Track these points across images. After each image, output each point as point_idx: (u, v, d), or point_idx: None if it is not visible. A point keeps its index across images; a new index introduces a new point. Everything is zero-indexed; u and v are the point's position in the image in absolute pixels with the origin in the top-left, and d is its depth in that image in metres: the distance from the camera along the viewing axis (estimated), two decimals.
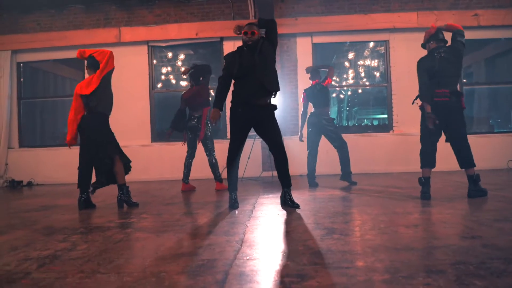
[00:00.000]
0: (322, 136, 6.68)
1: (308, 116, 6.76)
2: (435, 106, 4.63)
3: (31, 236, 3.43)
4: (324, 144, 6.88)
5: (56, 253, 2.75)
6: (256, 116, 4.41)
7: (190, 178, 6.67)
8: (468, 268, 2.11)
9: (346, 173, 6.57)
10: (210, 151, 6.48)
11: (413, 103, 4.93)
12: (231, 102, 4.52)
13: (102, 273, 2.25)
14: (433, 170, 4.81)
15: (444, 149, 4.96)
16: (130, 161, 5.15)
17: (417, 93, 4.83)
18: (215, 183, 6.63)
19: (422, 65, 4.79)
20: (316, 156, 6.66)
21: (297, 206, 4.34)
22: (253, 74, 4.34)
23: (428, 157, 4.77)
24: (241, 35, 4.50)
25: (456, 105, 4.67)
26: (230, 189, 4.62)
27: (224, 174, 6.08)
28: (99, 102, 4.92)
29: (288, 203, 4.41)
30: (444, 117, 4.63)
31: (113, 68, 5.02)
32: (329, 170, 7.92)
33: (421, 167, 4.82)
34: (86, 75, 5.18)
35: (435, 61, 4.71)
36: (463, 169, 4.74)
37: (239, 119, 4.44)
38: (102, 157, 4.90)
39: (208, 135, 6.48)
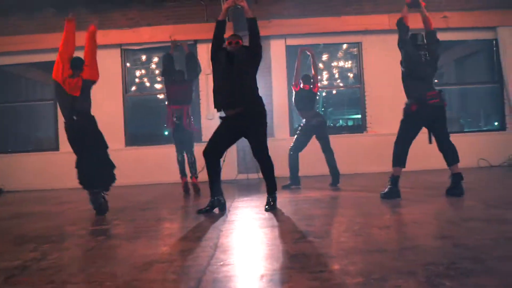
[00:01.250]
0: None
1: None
2: (429, 108, 4.74)
3: (1, 246, 3.35)
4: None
5: (25, 263, 2.69)
6: (240, 125, 4.41)
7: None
8: (438, 268, 2.14)
9: (337, 177, 6.59)
10: (191, 149, 6.46)
11: (405, 107, 4.98)
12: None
13: (72, 283, 2.22)
14: (404, 170, 4.88)
15: (415, 149, 5.02)
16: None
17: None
18: (192, 178, 6.52)
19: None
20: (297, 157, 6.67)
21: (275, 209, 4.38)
22: (229, 81, 4.33)
23: (402, 157, 4.84)
24: (225, 44, 4.49)
25: (442, 105, 4.80)
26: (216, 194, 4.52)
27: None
28: (87, 103, 4.79)
29: (270, 206, 4.42)
30: (432, 118, 4.75)
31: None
32: (306, 171, 7.93)
33: (393, 166, 4.89)
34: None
35: (422, 65, 4.83)
36: (449, 167, 4.81)
37: (227, 126, 4.46)
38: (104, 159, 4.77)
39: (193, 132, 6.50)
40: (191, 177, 6.49)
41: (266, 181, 4.53)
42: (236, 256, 2.65)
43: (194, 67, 6.67)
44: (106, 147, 4.91)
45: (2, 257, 2.91)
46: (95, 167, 4.70)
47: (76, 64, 4.78)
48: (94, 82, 4.89)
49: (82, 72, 4.75)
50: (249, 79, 4.44)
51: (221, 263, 2.45)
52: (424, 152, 5.00)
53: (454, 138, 7.55)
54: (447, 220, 3.46)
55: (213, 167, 4.48)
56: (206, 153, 4.42)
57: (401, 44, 5.00)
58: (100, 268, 2.51)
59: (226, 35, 4.61)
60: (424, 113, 4.74)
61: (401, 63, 5.00)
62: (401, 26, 5.01)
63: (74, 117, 4.69)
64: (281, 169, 8.17)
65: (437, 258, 2.34)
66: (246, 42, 4.61)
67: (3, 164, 9.18)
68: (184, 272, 2.32)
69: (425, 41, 5.04)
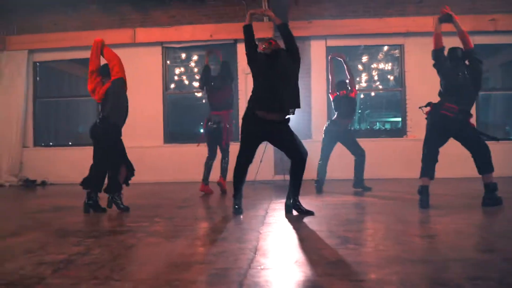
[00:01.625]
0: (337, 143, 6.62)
1: (327, 123, 6.71)
2: (440, 118, 4.62)
3: (45, 238, 3.45)
4: (337, 148, 6.81)
5: (70, 257, 2.75)
6: (270, 132, 4.34)
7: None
8: (488, 284, 2.06)
9: (359, 180, 6.52)
10: (227, 153, 6.48)
11: (420, 107, 4.88)
12: (246, 109, 4.44)
13: (115, 280, 2.25)
14: (443, 177, 4.73)
15: (453, 156, 4.88)
16: (134, 171, 5.08)
17: (431, 99, 4.79)
18: (220, 178, 6.49)
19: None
20: (327, 163, 6.60)
21: (311, 213, 4.31)
22: (270, 85, 4.25)
23: (429, 166, 4.71)
24: (260, 48, 4.44)
25: (463, 121, 4.61)
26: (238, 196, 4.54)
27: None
28: (111, 108, 4.84)
29: (300, 210, 4.36)
30: (450, 130, 4.63)
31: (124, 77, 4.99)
32: (341, 175, 7.84)
33: (421, 176, 4.75)
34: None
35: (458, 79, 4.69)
36: (481, 175, 4.66)
37: (251, 133, 4.38)
38: (113, 165, 4.88)
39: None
40: (220, 177, 6.47)
41: (297, 185, 4.43)
42: (275, 260, 2.63)
43: (228, 75, 6.68)
44: (121, 156, 4.92)
45: (47, 249, 2.99)
46: (99, 170, 4.83)
47: (104, 71, 4.95)
48: (121, 80, 4.92)
49: (111, 77, 4.88)
50: (294, 82, 4.37)
51: (261, 267, 2.44)
52: (465, 158, 4.83)
53: (500, 146, 7.39)
54: (493, 232, 3.34)
55: (244, 177, 4.52)
56: (239, 168, 4.42)
57: (437, 67, 4.86)
58: (141, 266, 2.54)
59: (267, 35, 4.58)
60: (438, 123, 4.61)
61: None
62: (436, 54, 4.85)
63: (97, 122, 4.84)
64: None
65: (486, 273, 2.25)
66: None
67: (46, 157, 9.49)
68: (225, 274, 2.32)
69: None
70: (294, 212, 4.41)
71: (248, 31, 4.44)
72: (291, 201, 4.44)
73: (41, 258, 2.74)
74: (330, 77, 6.84)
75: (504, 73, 10.89)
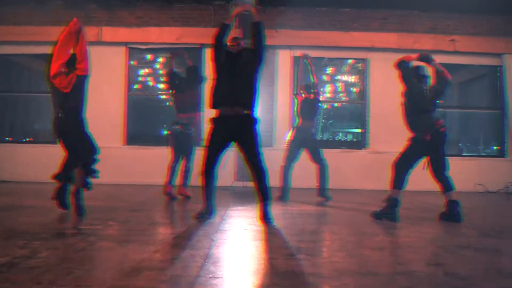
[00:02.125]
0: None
1: (293, 131, 6.76)
2: (440, 136, 4.82)
3: None
4: (300, 158, 6.88)
5: (14, 260, 2.66)
6: (234, 130, 4.36)
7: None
8: None
9: (322, 189, 6.59)
10: (191, 157, 6.42)
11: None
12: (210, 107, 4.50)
13: (59, 286, 2.19)
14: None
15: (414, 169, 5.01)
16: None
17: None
18: (180, 188, 6.39)
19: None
20: (291, 169, 6.65)
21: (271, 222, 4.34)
22: (229, 82, 4.34)
23: (403, 179, 4.84)
24: (227, 46, 4.52)
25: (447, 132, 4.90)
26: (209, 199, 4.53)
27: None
28: (75, 101, 4.73)
29: (265, 218, 4.36)
30: (436, 145, 4.83)
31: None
32: (302, 183, 7.90)
33: (393, 188, 4.89)
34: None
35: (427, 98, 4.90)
36: (444, 194, 4.85)
37: (216, 132, 4.40)
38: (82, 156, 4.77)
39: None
40: (183, 186, 6.39)
41: (261, 190, 4.43)
42: (226, 268, 2.63)
43: (196, 77, 6.66)
44: (90, 151, 4.83)
45: None
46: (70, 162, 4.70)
47: (70, 62, 4.75)
48: (86, 77, 4.80)
49: (76, 70, 4.70)
50: (251, 81, 4.45)
51: (211, 275, 2.43)
52: (423, 172, 4.97)
53: (452, 162, 7.57)
54: (441, 246, 3.44)
55: (211, 178, 4.48)
56: (205, 171, 4.41)
57: (405, 78, 4.96)
58: (89, 271, 2.48)
59: (229, 40, 4.61)
60: (434, 141, 4.78)
61: (405, 94, 4.99)
62: (402, 65, 4.97)
63: (60, 114, 4.67)
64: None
65: (428, 286, 2.32)
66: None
67: (1, 154, 9.15)
68: (174, 282, 2.30)
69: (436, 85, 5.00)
70: (252, 221, 4.42)
71: (225, 28, 4.49)
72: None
73: None
74: (298, 77, 6.93)
75: (462, 92, 11.27)
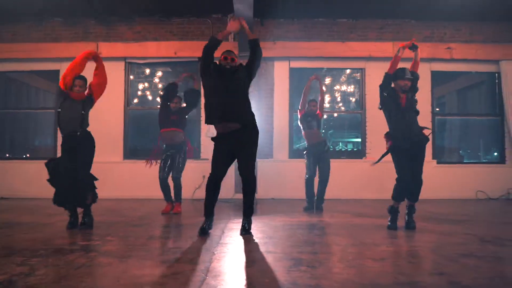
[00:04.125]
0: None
1: (307, 147, 6.88)
2: (414, 144, 4.82)
3: None
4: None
5: (11, 277, 2.64)
6: (234, 142, 4.37)
7: (160, 198, 6.54)
8: None
9: (320, 204, 6.65)
10: (181, 171, 6.41)
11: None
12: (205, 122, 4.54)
13: None
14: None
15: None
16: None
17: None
18: (175, 204, 6.43)
19: None
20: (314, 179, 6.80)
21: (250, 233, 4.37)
22: (221, 98, 4.31)
23: (405, 190, 4.84)
24: (221, 59, 4.48)
25: (427, 139, 4.88)
26: (211, 215, 4.52)
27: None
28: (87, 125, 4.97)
29: (244, 230, 4.39)
30: (415, 152, 4.83)
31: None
32: (300, 194, 7.88)
33: (394, 199, 4.88)
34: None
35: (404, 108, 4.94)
36: (410, 202, 4.89)
37: (218, 147, 4.43)
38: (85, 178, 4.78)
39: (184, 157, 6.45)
40: (174, 202, 6.42)
41: (246, 203, 4.47)
42: (227, 282, 2.60)
43: (195, 102, 6.65)
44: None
45: None
46: (75, 185, 4.74)
47: (84, 81, 4.99)
48: (93, 102, 5.07)
49: (87, 90, 4.97)
50: (245, 96, 4.46)
51: None
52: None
53: (453, 169, 7.60)
54: (443, 255, 3.40)
55: (215, 193, 4.49)
56: (210, 186, 4.44)
57: (384, 90, 5.05)
58: None
59: (222, 54, 4.59)
60: (410, 147, 4.80)
61: (381, 105, 5.05)
62: (387, 78, 5.07)
63: (78, 132, 4.81)
64: (281, 191, 8.21)
65: None
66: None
67: (0, 170, 9.14)
68: None
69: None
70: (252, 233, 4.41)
71: (216, 44, 4.47)
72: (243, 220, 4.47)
73: None
74: (303, 95, 6.99)
75: (460, 99, 11.29)
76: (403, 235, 4.43)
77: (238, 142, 4.37)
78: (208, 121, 4.47)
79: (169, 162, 6.37)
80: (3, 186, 8.98)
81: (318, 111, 6.89)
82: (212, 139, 4.53)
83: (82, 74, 5.01)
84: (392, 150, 4.87)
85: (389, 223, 4.86)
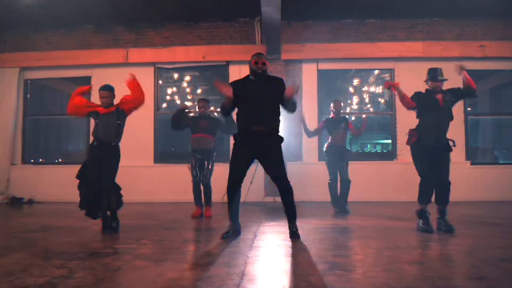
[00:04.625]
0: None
1: (326, 147, 6.93)
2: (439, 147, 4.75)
3: (29, 260, 3.37)
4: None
5: (52, 280, 2.70)
6: (259, 146, 4.32)
7: (190, 201, 6.58)
8: None
9: (344, 206, 6.69)
10: (210, 175, 6.45)
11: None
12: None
13: None
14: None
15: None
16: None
17: None
18: (206, 208, 6.44)
19: None
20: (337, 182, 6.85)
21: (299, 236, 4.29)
22: (256, 103, 4.30)
23: (428, 191, 4.78)
24: (252, 63, 4.46)
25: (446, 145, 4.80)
26: (236, 219, 4.53)
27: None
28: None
29: (293, 234, 4.32)
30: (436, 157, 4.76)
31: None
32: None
33: (420, 202, 4.84)
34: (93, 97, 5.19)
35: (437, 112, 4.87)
36: (440, 205, 4.79)
37: (241, 149, 4.38)
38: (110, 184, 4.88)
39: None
40: (205, 205, 6.42)
41: (288, 208, 4.38)
42: (263, 286, 2.59)
43: (228, 131, 6.48)
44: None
45: (30, 272, 2.93)
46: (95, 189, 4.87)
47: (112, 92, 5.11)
48: (126, 114, 5.17)
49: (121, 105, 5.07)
50: (276, 104, 4.42)
51: None
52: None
53: (488, 170, 7.38)
54: (482, 259, 3.32)
55: (236, 197, 4.46)
56: (232, 189, 4.39)
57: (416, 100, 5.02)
58: None
59: (254, 58, 4.54)
60: (435, 148, 4.73)
61: (415, 100, 5.02)
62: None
63: (113, 143, 5.02)
64: (310, 194, 8.14)
65: None
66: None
67: (35, 175, 9.39)
68: None
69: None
70: (285, 236, 4.38)
71: (228, 106, 4.45)
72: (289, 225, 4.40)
73: (22, 281, 2.69)
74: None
75: (492, 98, 11.03)
76: (438, 238, 4.34)
77: (261, 146, 4.32)
78: (240, 127, 4.44)
79: (198, 166, 6.40)
80: (37, 190, 9.22)
81: (353, 129, 7.07)
82: (235, 140, 4.46)
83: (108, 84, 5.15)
84: (415, 147, 4.80)
85: (422, 226, 4.78)
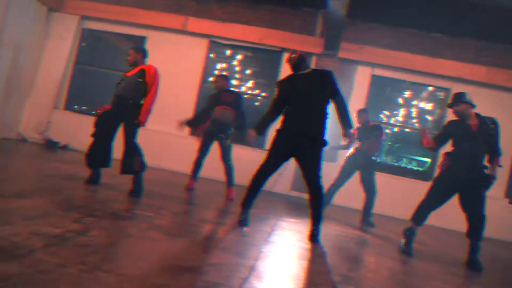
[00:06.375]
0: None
1: (353, 151, 6.62)
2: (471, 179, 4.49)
3: (50, 207, 3.40)
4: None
5: (66, 234, 2.71)
6: (299, 145, 4.15)
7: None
8: None
9: (368, 215, 6.44)
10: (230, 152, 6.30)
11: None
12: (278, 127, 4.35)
13: (102, 271, 2.18)
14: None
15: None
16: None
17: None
18: (229, 188, 6.21)
19: None
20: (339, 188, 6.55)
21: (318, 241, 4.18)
22: (303, 103, 4.17)
23: (426, 215, 4.68)
24: (286, 60, 4.37)
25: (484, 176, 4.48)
26: (246, 207, 4.41)
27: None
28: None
29: (313, 237, 4.20)
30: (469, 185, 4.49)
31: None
32: (360, 205, 7.65)
33: (413, 221, 4.73)
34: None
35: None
36: (472, 239, 4.49)
37: (283, 143, 4.22)
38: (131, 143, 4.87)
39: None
40: (227, 186, 6.22)
41: (315, 211, 4.22)
42: (269, 285, 2.52)
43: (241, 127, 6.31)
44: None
45: (47, 220, 2.95)
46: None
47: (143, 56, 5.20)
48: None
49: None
50: (322, 105, 4.23)
51: None
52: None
53: None
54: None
55: (259, 187, 4.32)
56: (259, 178, 4.26)
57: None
58: (134, 262, 2.47)
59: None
60: (464, 181, 4.48)
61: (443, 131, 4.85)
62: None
63: (131, 101, 5.00)
64: (341, 197, 7.98)
65: None
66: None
67: (74, 122, 9.57)
68: None
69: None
70: (301, 236, 4.29)
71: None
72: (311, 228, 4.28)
73: (38, 228, 2.71)
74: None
75: None
76: (462, 274, 4.14)
77: (305, 145, 4.16)
78: (282, 127, 4.30)
79: (210, 145, 6.36)
80: (74, 137, 9.39)
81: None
82: (278, 132, 4.28)
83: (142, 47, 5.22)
84: (443, 172, 4.59)
85: (403, 246, 4.64)
